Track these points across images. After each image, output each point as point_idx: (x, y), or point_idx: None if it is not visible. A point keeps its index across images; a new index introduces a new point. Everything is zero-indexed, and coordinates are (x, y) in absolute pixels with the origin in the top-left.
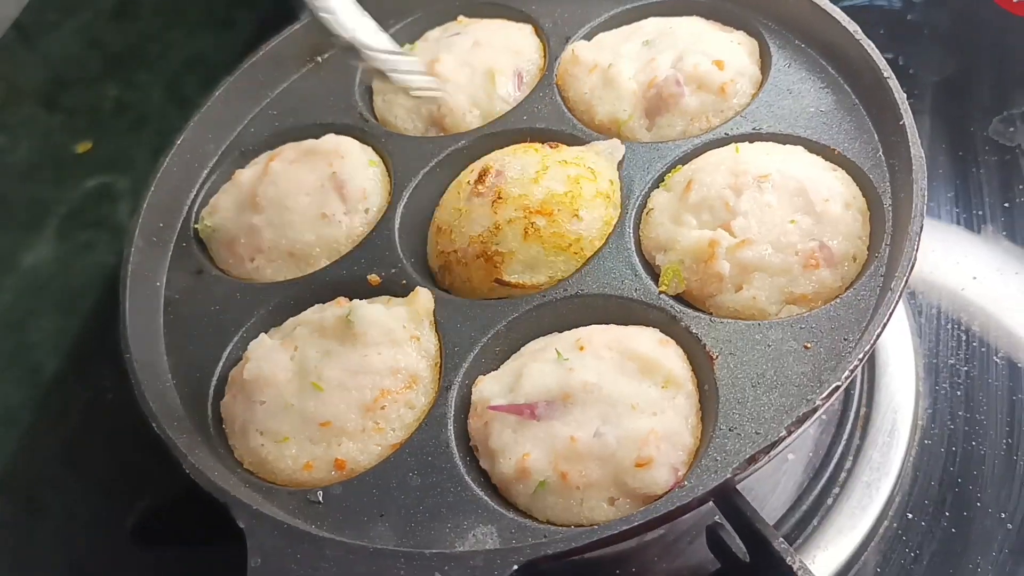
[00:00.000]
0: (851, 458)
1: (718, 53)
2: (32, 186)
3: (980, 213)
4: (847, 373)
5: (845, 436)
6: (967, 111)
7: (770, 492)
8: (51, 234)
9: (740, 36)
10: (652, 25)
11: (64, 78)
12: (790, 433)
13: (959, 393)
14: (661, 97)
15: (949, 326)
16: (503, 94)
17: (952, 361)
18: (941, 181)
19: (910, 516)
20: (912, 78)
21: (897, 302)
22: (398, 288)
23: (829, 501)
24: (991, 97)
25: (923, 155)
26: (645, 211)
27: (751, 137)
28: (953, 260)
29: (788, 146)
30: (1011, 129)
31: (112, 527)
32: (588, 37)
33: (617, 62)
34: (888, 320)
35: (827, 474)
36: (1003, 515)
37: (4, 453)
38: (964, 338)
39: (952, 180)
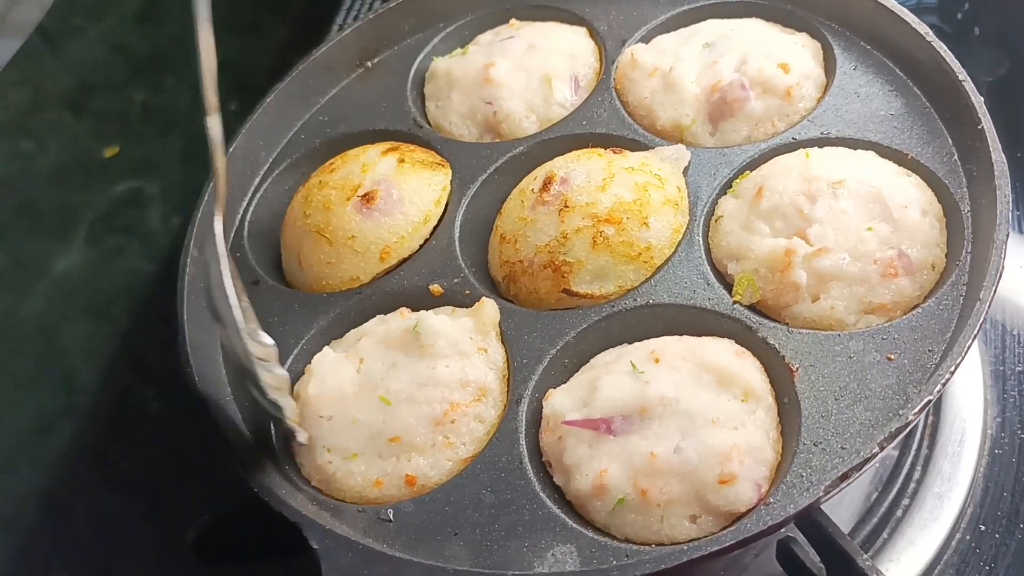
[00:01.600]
0: (920, 468)
1: (783, 56)
2: (61, 191)
3: None
4: (940, 386)
5: (914, 446)
6: (1022, 112)
7: (838, 503)
8: (81, 240)
9: (803, 38)
10: (711, 27)
11: (90, 83)
12: (883, 449)
13: None
14: (726, 101)
15: (1015, 332)
16: (560, 99)
17: (1020, 368)
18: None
19: (983, 528)
20: None
21: (986, 312)
22: (461, 298)
23: (899, 513)
24: None
25: (1005, 160)
26: (714, 218)
27: (820, 142)
28: (1016, 264)
29: (859, 151)
30: None
31: (164, 540)
32: (645, 40)
33: (678, 65)
34: (979, 331)
35: (896, 485)
36: None
37: (42, 462)
38: None
39: (1012, 182)
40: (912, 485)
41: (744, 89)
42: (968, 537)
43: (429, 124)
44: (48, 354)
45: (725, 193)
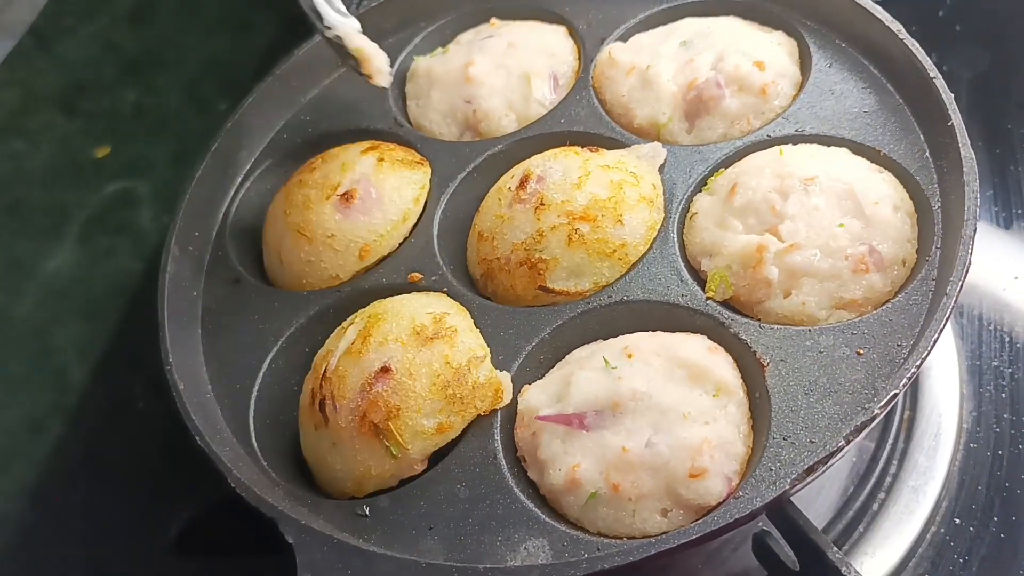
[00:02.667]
0: (896, 462)
1: (758, 54)
2: (52, 192)
3: (1020, 211)
4: (905, 380)
5: (890, 440)
6: (1003, 108)
7: (815, 497)
8: (72, 240)
9: (779, 36)
10: (689, 25)
11: (82, 83)
12: (848, 442)
13: (1004, 396)
14: (701, 99)
15: (991, 327)
16: (539, 97)
17: (996, 363)
18: (979, 180)
19: (958, 521)
20: (946, 75)
21: (953, 308)
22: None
23: (875, 506)
24: None
25: (973, 156)
26: (688, 215)
27: (794, 139)
28: (993, 260)
29: (832, 148)
30: None
31: (150, 536)
32: (623, 38)
33: (655, 63)
34: (944, 325)
35: (873, 479)
36: None
37: (32, 460)
38: (1007, 339)
39: (989, 178)
40: (888, 479)
41: (720, 87)
42: (943, 530)
43: (410, 123)
44: (39, 354)
45: (700, 190)
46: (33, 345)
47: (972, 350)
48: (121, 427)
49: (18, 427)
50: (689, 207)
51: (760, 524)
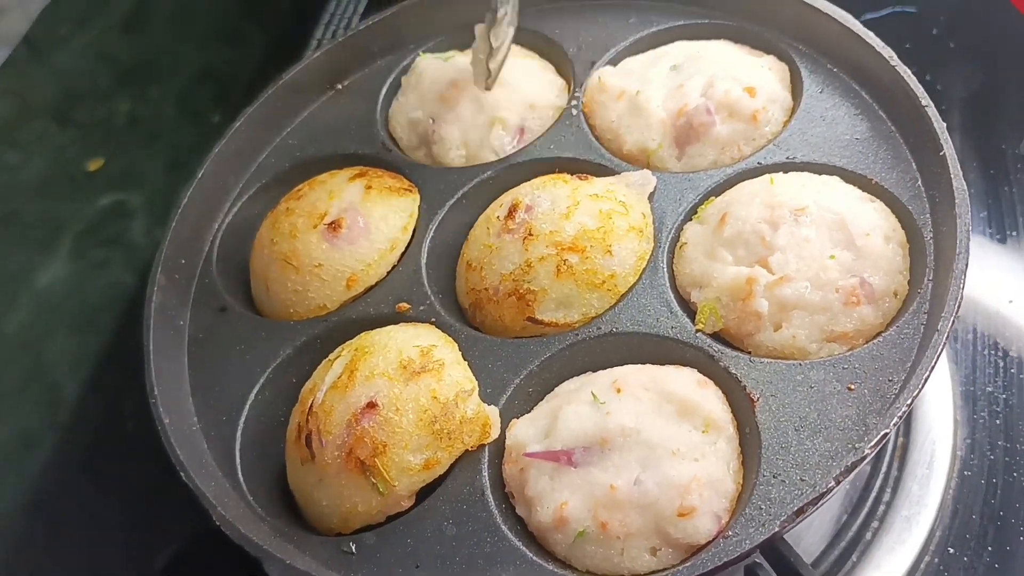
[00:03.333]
0: (889, 490)
1: (749, 79)
2: (45, 203)
3: (1014, 233)
4: (896, 419)
5: (883, 468)
6: (997, 127)
7: (807, 527)
8: (65, 252)
9: (770, 61)
10: (679, 49)
11: (75, 93)
12: (839, 483)
13: (998, 422)
14: (692, 126)
15: (986, 352)
16: (495, 145)
17: (990, 388)
18: (973, 200)
19: (951, 551)
20: (939, 94)
21: (944, 345)
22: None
23: (868, 536)
24: (1021, 112)
25: (966, 188)
26: (678, 245)
27: (785, 167)
28: (988, 282)
29: (823, 176)
30: None
31: (139, 564)
32: (614, 62)
33: (645, 89)
34: (935, 363)
35: (865, 508)
36: None
37: (25, 476)
38: (1001, 364)
39: (984, 199)
40: (881, 507)
41: (710, 114)
42: (936, 560)
43: (397, 146)
44: (32, 368)
45: (690, 219)
46: (25, 359)
47: (966, 375)
48: (115, 441)
49: (10, 443)
50: (679, 236)
51: (755, 557)
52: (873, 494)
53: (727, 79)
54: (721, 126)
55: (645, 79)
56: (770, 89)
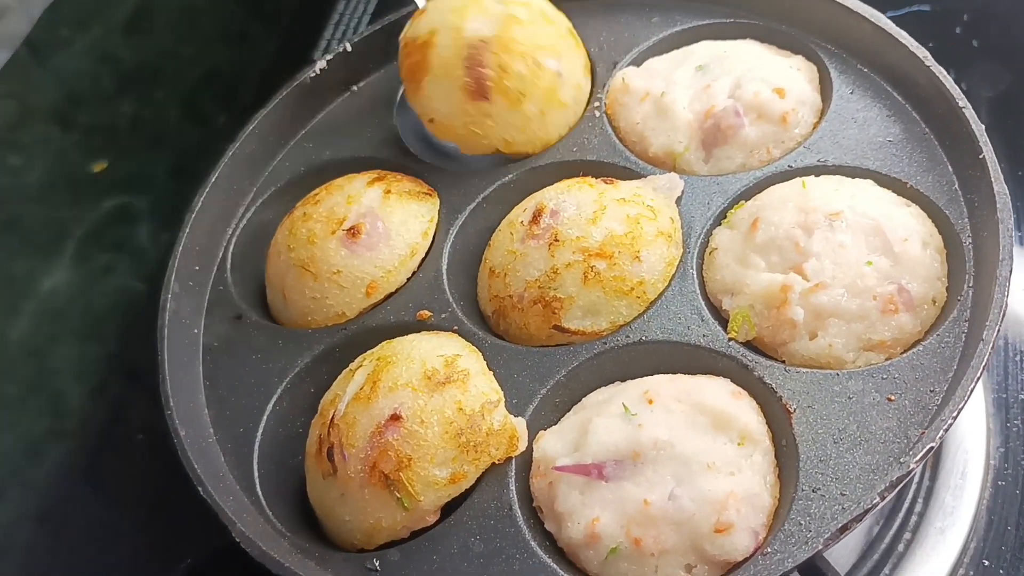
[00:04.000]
0: (921, 501)
1: (778, 80)
2: (49, 208)
3: None
4: (942, 432)
5: (915, 479)
6: None
7: None
8: (69, 257)
9: (799, 61)
10: (705, 49)
11: (78, 96)
12: (883, 499)
13: None
14: (719, 128)
15: (1018, 358)
16: None
17: (1023, 396)
18: None
19: (987, 563)
20: (965, 94)
21: (990, 354)
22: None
23: (901, 548)
24: None
25: (1007, 192)
26: (708, 250)
27: (817, 170)
28: (1017, 287)
29: (857, 180)
30: None
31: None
32: (637, 62)
33: (670, 90)
34: (981, 373)
35: (898, 519)
36: None
37: (31, 486)
38: None
39: (1013, 202)
40: (914, 519)
41: (738, 116)
42: (972, 573)
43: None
44: (36, 376)
45: (719, 224)
46: (30, 366)
47: (998, 382)
48: (121, 452)
49: (15, 451)
50: (708, 241)
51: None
52: (905, 505)
53: (755, 80)
54: (750, 128)
55: (670, 80)
56: (799, 90)
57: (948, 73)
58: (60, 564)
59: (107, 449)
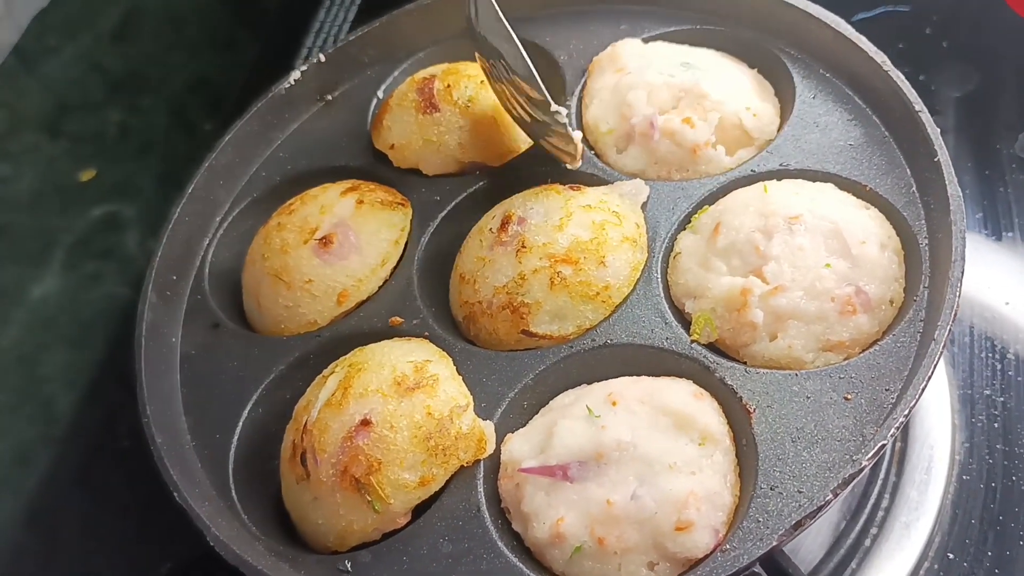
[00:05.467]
0: (888, 496)
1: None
2: (37, 216)
3: (1010, 234)
4: (892, 431)
5: (881, 474)
6: (991, 128)
7: (805, 535)
8: (58, 265)
9: (755, 76)
10: (693, 55)
11: (66, 104)
12: (836, 495)
13: (996, 425)
14: (636, 130)
15: (983, 355)
16: None
17: (988, 391)
18: (968, 202)
19: (951, 556)
20: (933, 94)
21: (941, 353)
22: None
23: (867, 543)
24: (1016, 113)
25: (960, 194)
26: (672, 255)
27: (779, 174)
28: (984, 284)
29: (817, 183)
30: None
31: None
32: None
33: (641, 75)
34: (932, 373)
35: (864, 514)
36: None
37: (21, 493)
38: (999, 367)
39: (979, 200)
40: (880, 514)
41: (653, 128)
42: (936, 566)
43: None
44: (26, 383)
45: (684, 228)
46: (20, 374)
47: (964, 379)
48: (110, 458)
49: (5, 458)
50: (673, 246)
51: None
52: (872, 500)
53: (694, 102)
54: (660, 141)
55: (649, 67)
56: (730, 124)
57: (918, 74)
58: (49, 567)
59: (97, 455)
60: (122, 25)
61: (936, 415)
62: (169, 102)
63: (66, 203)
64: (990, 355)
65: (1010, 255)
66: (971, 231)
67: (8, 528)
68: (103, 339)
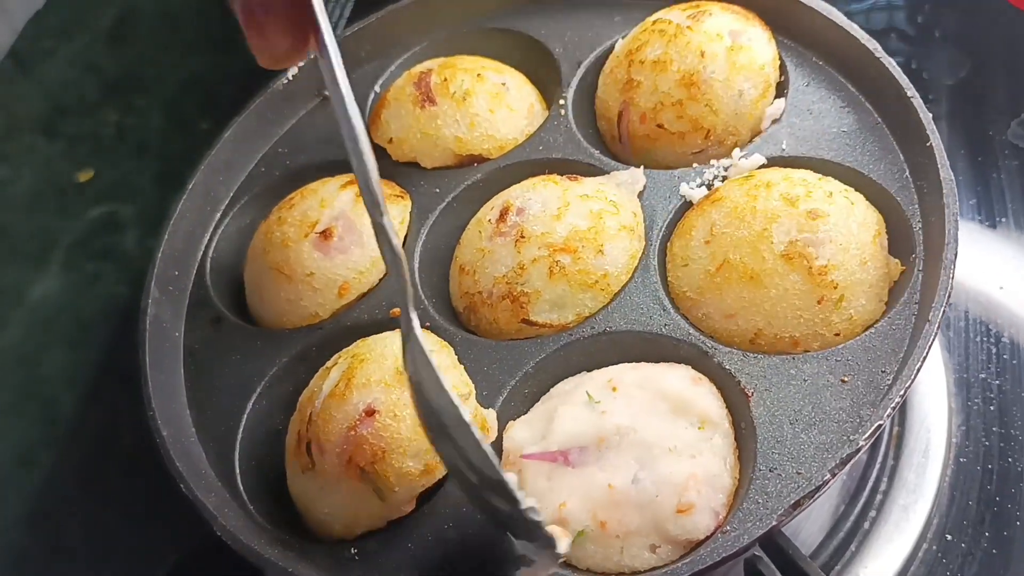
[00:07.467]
0: (886, 479)
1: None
2: (36, 217)
3: (1004, 220)
4: (889, 410)
5: (879, 458)
6: (984, 114)
7: (805, 518)
8: (57, 266)
9: None
10: None
11: (63, 105)
12: (834, 476)
13: (992, 408)
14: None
15: (978, 339)
16: None
17: (983, 375)
18: (962, 188)
19: (949, 538)
20: (926, 82)
21: (936, 334)
22: None
23: (866, 525)
24: (1008, 99)
25: (953, 178)
26: (669, 242)
27: (773, 161)
28: (978, 270)
29: (810, 170)
30: None
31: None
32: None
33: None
34: (928, 353)
35: (863, 498)
36: None
37: (25, 493)
38: (994, 350)
39: (973, 186)
40: (879, 497)
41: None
42: (935, 547)
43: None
44: (27, 384)
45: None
46: (21, 375)
47: (959, 363)
48: (113, 457)
49: (8, 459)
50: (670, 234)
51: (755, 550)
52: (870, 484)
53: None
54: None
55: None
56: None
57: (910, 63)
58: (53, 565)
59: (99, 453)
60: (117, 26)
61: (933, 399)
62: (165, 102)
63: (64, 204)
64: (985, 339)
65: (1004, 241)
66: (965, 218)
67: (11, 529)
68: (104, 339)
